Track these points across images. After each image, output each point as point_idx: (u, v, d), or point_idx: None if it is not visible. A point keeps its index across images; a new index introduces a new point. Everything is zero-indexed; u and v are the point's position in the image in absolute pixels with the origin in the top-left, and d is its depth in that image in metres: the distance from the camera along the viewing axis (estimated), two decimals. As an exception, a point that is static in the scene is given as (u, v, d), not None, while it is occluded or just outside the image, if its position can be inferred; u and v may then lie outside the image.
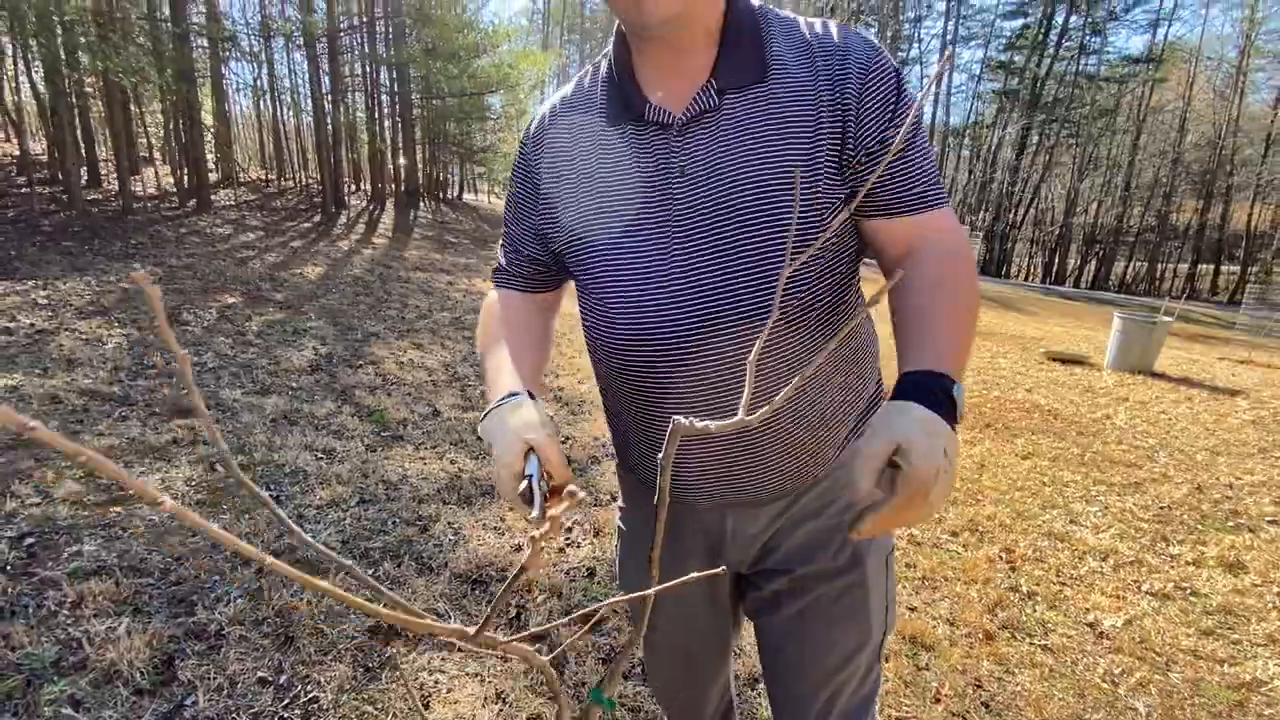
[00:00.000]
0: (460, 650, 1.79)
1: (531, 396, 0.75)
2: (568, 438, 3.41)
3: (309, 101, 12.88)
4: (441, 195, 17.28)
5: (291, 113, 14.39)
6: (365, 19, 12.97)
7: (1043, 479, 3.45)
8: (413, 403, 3.66)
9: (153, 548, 2.08)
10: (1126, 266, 27.51)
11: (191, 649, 1.68)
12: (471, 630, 0.42)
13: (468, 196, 18.32)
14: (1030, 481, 3.40)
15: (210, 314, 4.91)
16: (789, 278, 0.75)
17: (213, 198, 10.25)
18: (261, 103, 15.33)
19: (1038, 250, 29.36)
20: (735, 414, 0.78)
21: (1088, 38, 25.80)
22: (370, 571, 2.08)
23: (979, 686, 1.85)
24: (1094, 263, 27.45)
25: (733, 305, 0.75)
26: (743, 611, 1.02)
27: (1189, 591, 2.42)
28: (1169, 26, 26.61)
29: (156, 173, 11.40)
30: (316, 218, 10.73)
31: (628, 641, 0.57)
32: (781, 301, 0.76)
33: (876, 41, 0.76)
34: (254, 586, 1.95)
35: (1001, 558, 2.58)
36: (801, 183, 0.73)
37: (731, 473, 0.83)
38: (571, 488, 0.44)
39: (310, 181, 13.99)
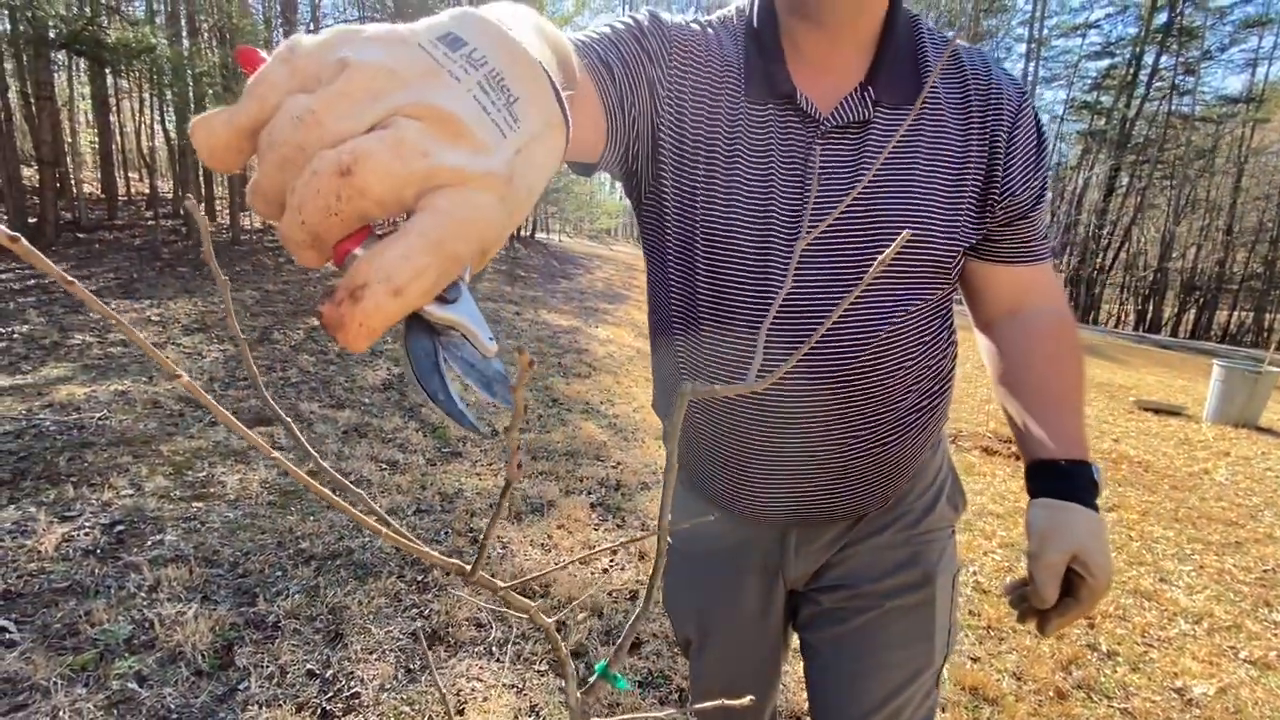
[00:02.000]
0: (499, 660, 1.80)
1: None
2: (618, 463, 3.42)
3: (398, 145, 13.83)
4: (515, 233, 18.10)
5: (382, 155, 15.49)
6: (452, 70, 13.93)
7: (1129, 533, 3.18)
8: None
9: (226, 542, 2.22)
10: (1230, 315, 25.33)
11: (250, 637, 1.77)
12: (468, 567, 0.45)
13: (539, 235, 19.04)
14: (1115, 535, 3.13)
15: (298, 334, 5.27)
16: (898, 313, 0.72)
17: (307, 232, 11.09)
18: (356, 146, 16.60)
19: (1129, 296, 27.55)
20: (840, 441, 0.78)
21: (1179, 78, 24.50)
22: (420, 578, 2.14)
23: (1046, 747, 1.70)
24: (1193, 310, 25.44)
25: (849, 332, 0.71)
26: (792, 629, 0.97)
27: (1301, 665, 2.16)
28: (1269, 66, 24.93)
29: (260, 209, 12.47)
30: (397, 251, 11.41)
31: (638, 614, 0.57)
32: (888, 335, 0.72)
33: (1019, 80, 0.75)
34: (312, 584, 2.04)
35: (1077, 613, 2.38)
36: (944, 219, 0.70)
37: (805, 495, 0.80)
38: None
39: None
